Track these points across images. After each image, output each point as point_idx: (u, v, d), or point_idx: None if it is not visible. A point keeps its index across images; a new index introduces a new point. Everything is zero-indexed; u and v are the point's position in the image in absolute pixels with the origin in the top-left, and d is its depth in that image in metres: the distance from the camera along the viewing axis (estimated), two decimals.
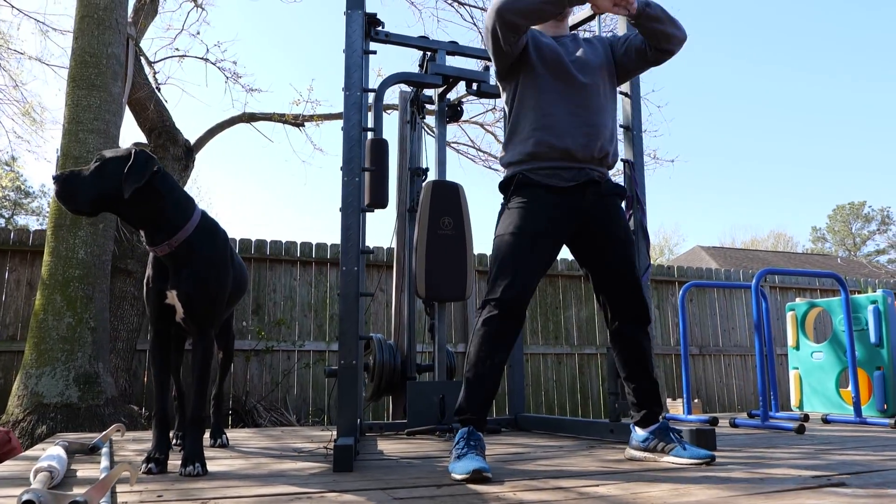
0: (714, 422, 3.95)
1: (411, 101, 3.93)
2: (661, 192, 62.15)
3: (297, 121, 6.92)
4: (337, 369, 2.58)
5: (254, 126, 6.79)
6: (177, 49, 6.71)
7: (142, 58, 5.75)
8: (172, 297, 2.26)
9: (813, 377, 5.27)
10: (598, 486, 1.89)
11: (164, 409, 2.31)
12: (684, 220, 62.29)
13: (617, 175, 7.13)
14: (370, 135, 3.17)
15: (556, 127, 2.41)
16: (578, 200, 2.44)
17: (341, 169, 2.67)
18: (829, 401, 5.10)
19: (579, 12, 3.34)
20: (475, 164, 8.86)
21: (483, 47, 4.06)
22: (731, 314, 7.89)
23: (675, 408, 6.09)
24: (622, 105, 3.26)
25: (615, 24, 5.45)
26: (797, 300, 5.61)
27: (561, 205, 2.42)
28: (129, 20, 5.90)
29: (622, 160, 3.17)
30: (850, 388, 4.29)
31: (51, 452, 2.24)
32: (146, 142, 5.87)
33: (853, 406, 4.07)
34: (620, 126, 3.22)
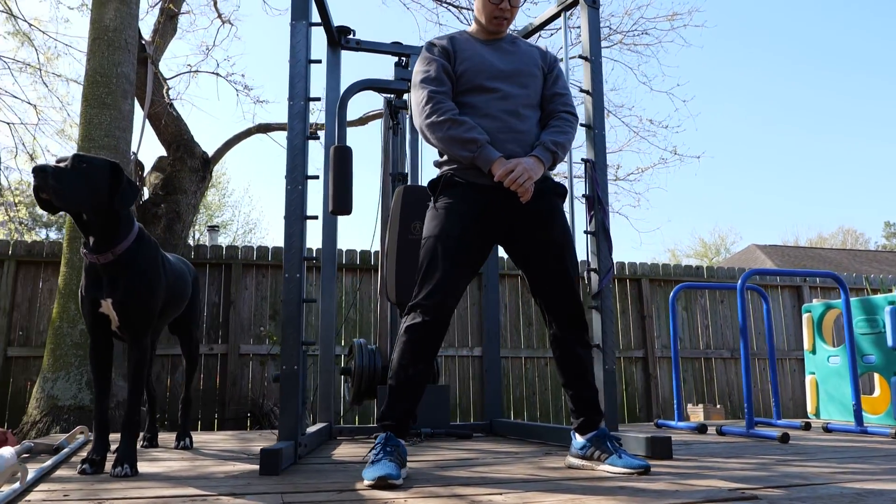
0: (702, 429, 3.82)
1: (389, 107, 3.96)
2: (711, 190, 60.29)
3: (311, 129, 7.05)
4: (279, 374, 2.62)
5: (269, 136, 6.98)
6: (189, 65, 6.93)
7: (157, 74, 5.97)
8: (107, 306, 2.34)
9: (830, 383, 5.02)
10: (500, 494, 1.87)
11: (102, 413, 2.40)
12: (742, 218, 60.28)
13: (579, 175, 6.94)
14: (321, 141, 3.21)
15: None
16: (509, 199, 2.40)
17: (285, 178, 2.72)
18: (846, 408, 4.85)
19: (540, 16, 3.29)
20: None
21: None
22: (763, 316, 7.60)
23: (696, 414, 5.91)
24: (584, 103, 3.20)
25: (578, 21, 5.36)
26: (814, 301, 5.36)
27: (488, 204, 2.39)
28: (148, 39, 6.13)
29: (583, 160, 3.11)
30: (870, 394, 4.08)
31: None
32: (166, 154, 6.09)
33: (854, 414, 3.86)
34: (581, 125, 3.16)
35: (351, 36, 3.57)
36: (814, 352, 5.20)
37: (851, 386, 3.91)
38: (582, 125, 3.17)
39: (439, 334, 2.31)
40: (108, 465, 2.39)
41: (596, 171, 3.09)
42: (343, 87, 3.72)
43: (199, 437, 3.73)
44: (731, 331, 7.43)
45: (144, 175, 6.13)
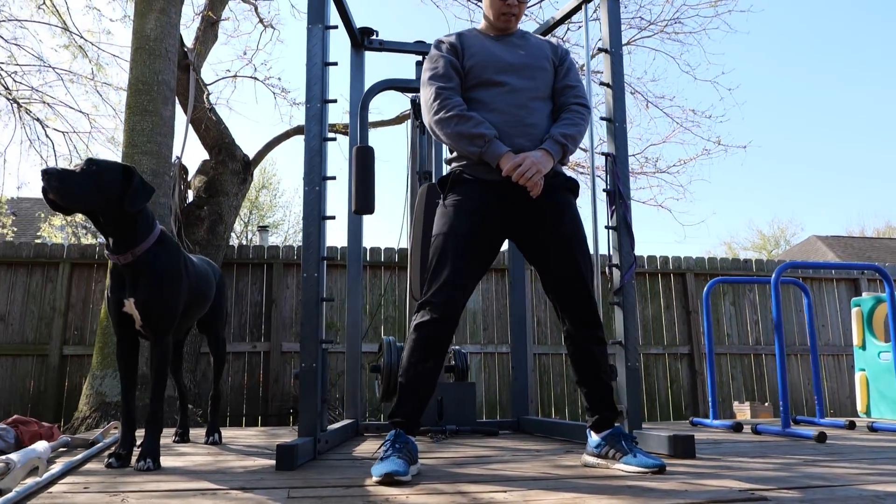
0: (738, 428, 3.73)
1: (414, 106, 3.98)
2: (769, 180, 58.45)
3: (347, 130, 7.13)
4: (298, 372, 2.67)
5: None
6: (228, 70, 7.10)
7: (198, 81, 6.13)
8: (130, 305, 2.43)
9: (881, 380, 4.83)
10: (504, 492, 1.87)
11: (129, 409, 2.49)
12: (804, 208, 58.27)
13: (599, 169, 6.80)
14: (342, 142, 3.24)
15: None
16: (519, 195, 2.38)
17: (303, 179, 2.76)
18: None
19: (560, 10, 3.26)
20: None
21: None
22: (822, 311, 7.37)
23: (742, 412, 5.77)
24: (605, 96, 3.16)
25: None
26: (864, 295, 5.17)
27: (497, 201, 2.38)
28: (190, 47, 6.30)
29: (603, 154, 3.07)
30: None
31: (32, 446, 2.46)
32: (208, 158, 6.25)
33: None
34: (602, 118, 3.13)
35: (374, 37, 3.60)
36: (864, 347, 5.01)
37: None
38: (602, 118, 3.13)
39: (449, 331, 2.31)
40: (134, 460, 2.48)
41: (617, 164, 3.05)
42: (367, 88, 3.76)
43: (230, 433, 3.83)
44: (784, 325, 7.22)
45: (189, 179, 6.31)
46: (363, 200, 3.27)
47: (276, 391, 6.08)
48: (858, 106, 62.35)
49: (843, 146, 61.86)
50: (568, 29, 7.93)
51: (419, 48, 3.67)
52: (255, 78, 6.99)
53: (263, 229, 17.13)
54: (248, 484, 2.01)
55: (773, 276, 3.54)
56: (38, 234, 9.56)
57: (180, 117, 5.73)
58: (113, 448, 2.43)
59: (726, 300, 7.18)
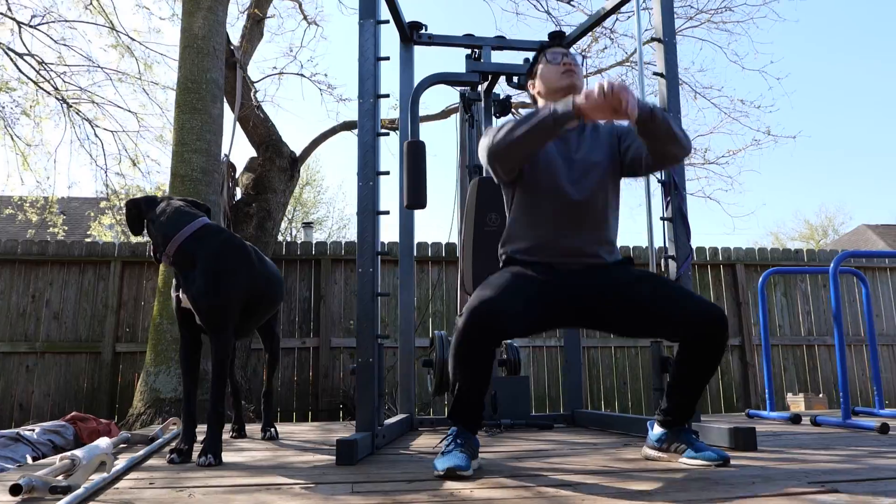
0: (796, 419, 3.65)
1: (463, 100, 3.96)
2: (815, 170, 56.94)
3: (394, 125, 7.17)
4: (355, 367, 2.68)
5: (353, 133, 7.11)
6: (274, 67, 7.17)
7: (245, 78, 6.21)
8: (185, 300, 2.48)
9: None
10: (568, 486, 1.86)
11: (190, 405, 2.53)
12: (852, 197, 56.61)
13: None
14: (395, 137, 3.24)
15: (545, 248, 2.35)
16: (574, 279, 2.32)
17: (357, 174, 2.77)
18: None
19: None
20: None
21: (529, 39, 4.00)
22: (876, 300, 7.18)
23: (796, 404, 5.65)
24: (658, 87, 3.11)
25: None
26: None
27: (554, 281, 2.30)
28: (237, 45, 6.37)
29: None
30: None
31: (96, 443, 2.52)
32: (256, 155, 6.33)
33: None
34: None
35: (423, 31, 3.59)
36: None
37: None
38: None
39: (490, 335, 2.14)
40: (195, 455, 2.52)
41: None
42: (416, 83, 3.76)
43: (284, 428, 3.88)
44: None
45: (237, 176, 6.40)
46: (415, 195, 3.27)
47: (325, 386, 6.13)
48: None
49: (890, 131, 60.04)
50: (616, 19, 7.82)
51: (468, 41, 3.65)
52: (302, 75, 7.06)
53: (308, 226, 17.31)
54: (311, 479, 2.03)
55: (832, 265, 3.45)
56: (88, 232, 9.79)
57: (228, 115, 5.81)
58: (174, 444, 2.47)
59: (777, 291, 7.03)
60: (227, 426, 3.60)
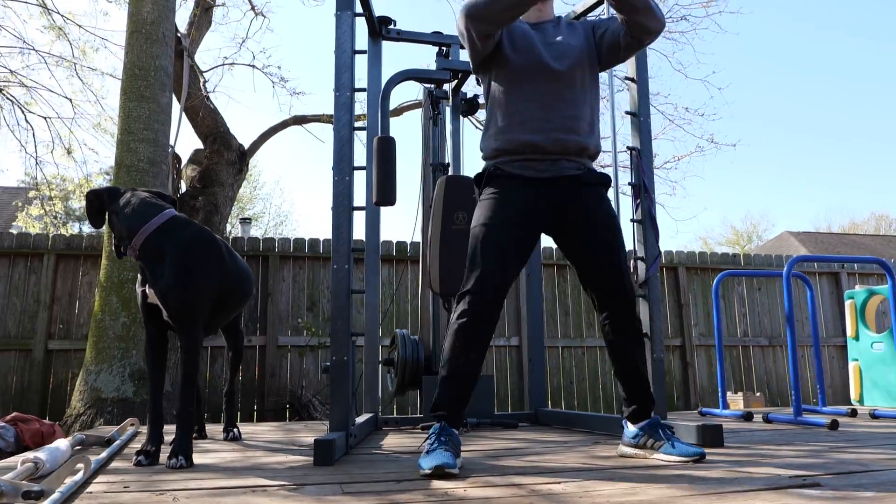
0: (748, 417, 3.78)
1: (430, 98, 3.94)
2: (742, 178, 59.30)
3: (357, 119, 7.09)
4: (329, 365, 2.63)
5: (305, 128, 7.00)
6: (225, 58, 6.96)
7: (194, 67, 6.02)
8: (152, 295, 2.38)
9: (874, 369, 4.94)
10: (558, 483, 1.86)
11: (157, 405, 2.42)
12: (774, 205, 59.23)
13: (624, 163, 6.86)
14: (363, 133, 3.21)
15: (527, 123, 2.37)
16: (554, 192, 2.38)
17: (332, 169, 2.72)
18: (890, 394, 4.78)
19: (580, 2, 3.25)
20: None
21: None
22: (804, 303, 7.49)
23: (735, 402, 5.85)
24: (629, 91, 3.16)
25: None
26: (856, 287, 5.27)
27: (534, 195, 2.37)
28: (184, 32, 6.17)
29: (628, 148, 3.08)
30: None
31: (54, 445, 2.39)
32: (202, 147, 6.14)
33: None
34: (626, 112, 3.13)
35: (391, 27, 3.55)
36: (857, 338, 5.12)
37: None
38: (627, 113, 3.13)
39: (490, 321, 2.29)
40: (163, 457, 2.42)
41: (642, 158, 3.06)
42: (384, 79, 3.72)
43: (244, 429, 3.77)
44: (769, 318, 7.33)
45: (182, 168, 6.19)
46: (384, 192, 3.23)
47: (272, 385, 5.99)
48: (828, 113, 63.57)
49: (814, 145, 63.03)
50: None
51: (436, 38, 3.62)
52: (254, 66, 6.87)
53: (245, 221, 16.93)
54: (292, 480, 1.97)
55: (786, 269, 3.58)
56: (13, 223, 9.30)
57: (175, 105, 5.61)
58: (137, 445, 2.37)
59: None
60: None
